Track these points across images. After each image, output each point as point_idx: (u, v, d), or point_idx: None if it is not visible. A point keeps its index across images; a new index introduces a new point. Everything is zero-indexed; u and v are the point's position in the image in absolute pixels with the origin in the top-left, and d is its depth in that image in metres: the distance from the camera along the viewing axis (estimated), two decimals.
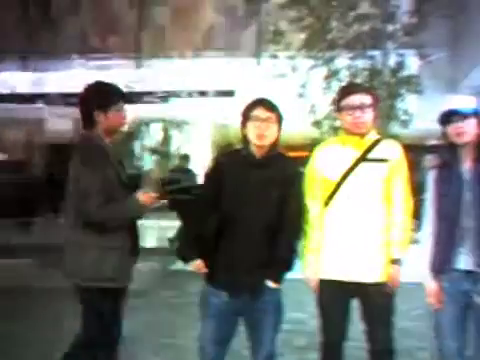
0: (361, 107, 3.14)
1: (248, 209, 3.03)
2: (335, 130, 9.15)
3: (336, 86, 9.72)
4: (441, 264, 2.97)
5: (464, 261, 2.91)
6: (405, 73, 10.43)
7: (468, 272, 2.91)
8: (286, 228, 3.07)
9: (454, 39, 15.38)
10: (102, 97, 3.28)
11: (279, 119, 3.11)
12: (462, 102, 2.96)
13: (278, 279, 3.09)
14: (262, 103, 3.11)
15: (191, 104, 14.74)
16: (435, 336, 3.07)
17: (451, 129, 2.93)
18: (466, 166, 2.95)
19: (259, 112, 3.06)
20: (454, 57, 15.75)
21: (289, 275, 3.15)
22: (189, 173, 10.47)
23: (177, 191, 8.75)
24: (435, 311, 3.04)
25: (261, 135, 3.05)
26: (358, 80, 9.99)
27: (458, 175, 2.94)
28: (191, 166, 10.92)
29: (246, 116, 3.10)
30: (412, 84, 10.27)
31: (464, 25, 14.28)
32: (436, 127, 3.10)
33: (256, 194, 3.04)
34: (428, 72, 11.27)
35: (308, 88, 10.22)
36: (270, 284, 3.06)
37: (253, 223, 3.03)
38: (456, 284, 2.95)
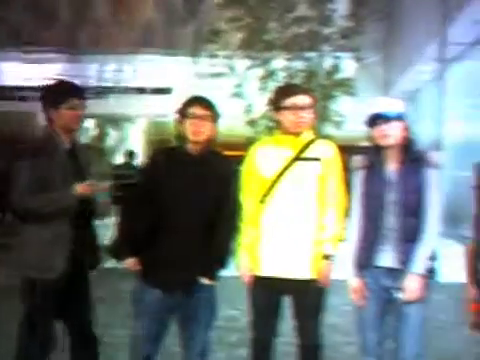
0: (304, 107, 3.23)
1: (183, 206, 3.08)
2: (270, 130, 9.25)
3: (272, 87, 9.84)
4: (364, 261, 3.08)
5: (386, 258, 3.03)
6: (340, 75, 10.66)
7: (390, 269, 3.03)
8: (221, 226, 3.13)
9: (388, 43, 15.84)
10: (53, 95, 3.29)
11: (215, 117, 3.18)
12: (388, 105, 3.06)
13: (212, 276, 3.14)
14: (199, 101, 3.18)
15: (128, 101, 14.60)
16: (357, 329, 3.19)
17: (376, 132, 3.04)
18: (391, 168, 3.07)
19: (196, 109, 3.12)
20: (387, 60, 16.21)
21: (222, 272, 3.20)
22: (135, 169, 10.56)
23: (122, 187, 8.66)
24: (358, 306, 3.15)
25: (197, 132, 3.11)
26: (295, 81, 10.14)
27: (383, 176, 3.06)
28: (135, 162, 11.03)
29: (183, 113, 3.15)
30: (346, 86, 10.50)
31: (397, 29, 14.73)
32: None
33: (191, 191, 3.09)
34: (363, 75, 11.56)
35: (244, 88, 10.29)
36: (204, 281, 3.11)
37: (188, 220, 3.07)
38: (378, 280, 3.07)
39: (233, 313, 3.96)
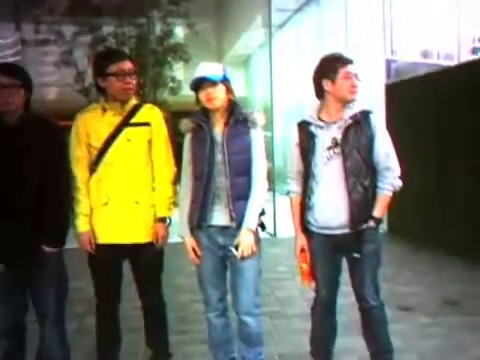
0: (130, 73, 3.20)
1: (11, 178, 2.94)
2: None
3: None
4: (197, 221, 3.14)
5: (219, 217, 3.13)
6: (172, 41, 10.65)
7: (223, 227, 3.13)
8: (55, 194, 3.04)
9: (219, 10, 16.07)
10: None
11: (25, 84, 3.01)
12: (211, 69, 3.10)
13: (54, 243, 3.06)
14: (2, 69, 3.01)
15: None
16: (199, 287, 3.28)
17: (202, 95, 3.09)
18: (217, 129, 3.14)
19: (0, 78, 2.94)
20: (220, 27, 16.46)
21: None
22: None
23: None
24: (196, 265, 3.24)
25: (4, 102, 2.93)
26: (126, 48, 9.97)
27: (210, 137, 3.12)
28: None
29: None
30: (179, 52, 10.53)
31: None
32: None
33: (15, 162, 2.95)
34: (195, 41, 11.66)
35: (74, 55, 9.93)
36: (46, 249, 3.03)
37: (19, 192, 2.95)
38: (212, 239, 3.16)
39: (79, 284, 3.92)
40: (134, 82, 3.25)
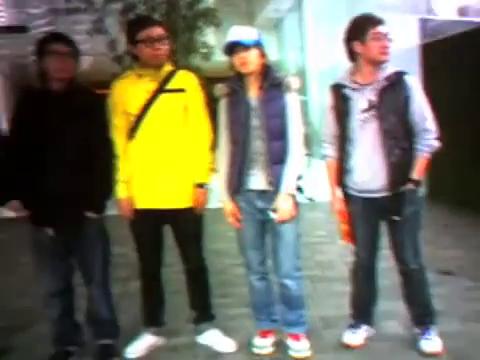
0: (159, 39, 3.19)
1: (55, 145, 3.04)
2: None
3: None
4: (236, 185, 3.17)
5: (256, 181, 3.15)
6: (202, 6, 10.54)
7: (261, 191, 3.15)
8: (98, 160, 3.14)
9: None
10: None
11: (75, 53, 3.11)
12: (244, 34, 3.08)
13: (97, 209, 3.17)
14: (57, 37, 3.11)
15: None
16: (240, 251, 3.34)
17: (236, 59, 3.08)
18: (252, 94, 3.14)
19: (56, 46, 3.04)
20: None
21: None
22: None
23: None
24: (236, 229, 3.27)
25: (60, 69, 3.04)
26: (156, 14, 9.91)
27: (245, 102, 3.12)
28: None
29: (42, 51, 3.06)
30: (209, 17, 10.42)
31: None
32: None
33: (60, 128, 3.05)
34: (225, 5, 11.50)
35: (106, 23, 9.91)
36: (90, 214, 3.13)
37: (62, 158, 3.06)
38: (251, 203, 3.19)
39: (122, 250, 4.01)
40: (164, 48, 3.24)
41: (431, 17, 8.53)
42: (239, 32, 3.08)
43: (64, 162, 3.06)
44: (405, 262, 3.22)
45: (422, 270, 3.26)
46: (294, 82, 3.14)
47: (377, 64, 3.08)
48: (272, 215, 3.11)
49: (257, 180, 3.14)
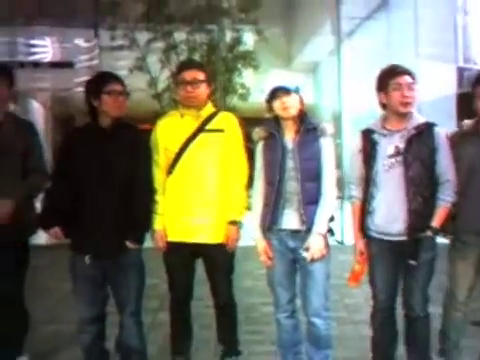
0: (192, 83, 3.38)
1: (101, 178, 3.19)
2: (175, 102, 9.31)
3: (175, 60, 9.90)
4: (269, 224, 3.26)
5: (289, 221, 3.23)
6: (241, 48, 10.81)
7: (293, 231, 3.23)
8: (139, 194, 3.28)
9: (287, 16, 16.11)
10: None
11: (127, 93, 3.30)
12: (286, 81, 3.24)
13: (137, 240, 3.29)
14: (114, 77, 3.32)
15: (27, 75, 13.96)
16: (270, 288, 3.39)
17: (278, 103, 3.21)
18: (289, 137, 3.26)
19: (114, 86, 3.24)
20: (288, 34, 16.49)
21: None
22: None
23: None
24: (267, 267, 3.34)
25: (118, 107, 3.23)
26: (196, 54, 10.21)
27: (282, 145, 3.24)
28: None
29: (99, 90, 3.23)
30: (248, 59, 10.67)
31: (296, 3, 15.03)
32: None
33: (107, 163, 3.20)
34: (264, 48, 11.77)
35: (147, 61, 10.23)
36: (130, 245, 3.25)
37: (107, 191, 3.20)
38: (283, 242, 3.26)
39: (153, 281, 4.10)
40: (197, 91, 3.40)
41: (469, 66, 8.59)
42: (283, 78, 3.27)
43: (108, 194, 3.21)
44: (413, 308, 3.29)
45: (428, 318, 3.32)
46: (329, 128, 3.27)
47: (399, 115, 3.21)
48: (304, 254, 3.18)
49: (290, 220, 3.23)
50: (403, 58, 3.46)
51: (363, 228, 3.34)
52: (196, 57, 10.05)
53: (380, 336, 3.44)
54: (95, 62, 10.65)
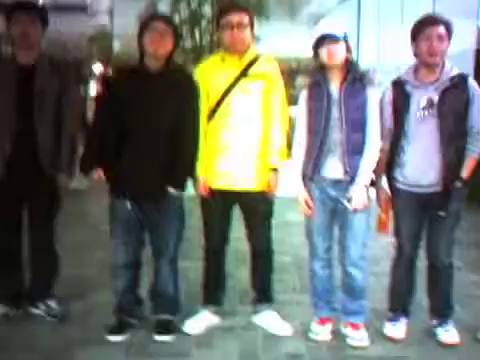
0: (235, 26, 3.27)
1: (145, 121, 3.14)
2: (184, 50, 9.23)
3: (184, 7, 9.76)
4: (311, 173, 3.23)
5: (332, 170, 3.20)
6: None
7: (335, 180, 3.21)
8: (185, 139, 3.22)
9: None
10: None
11: (174, 33, 3.21)
12: (334, 27, 3.19)
13: (179, 185, 3.23)
14: (159, 16, 3.28)
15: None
16: (307, 237, 3.40)
17: (324, 51, 3.14)
18: (334, 86, 3.20)
19: (156, 24, 3.15)
20: None
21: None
22: None
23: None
24: (306, 216, 3.32)
25: (157, 46, 3.13)
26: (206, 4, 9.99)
27: (327, 94, 3.18)
28: None
29: (143, 28, 3.18)
30: (259, 8, 10.45)
31: None
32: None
33: (153, 105, 3.13)
34: None
35: (158, 9, 9.99)
36: (172, 190, 3.20)
37: (151, 135, 3.15)
38: (325, 191, 3.24)
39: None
40: (243, 34, 3.30)
41: None
42: (329, 26, 3.19)
43: (152, 139, 3.14)
44: (439, 257, 3.33)
45: (452, 266, 3.38)
46: (374, 77, 3.19)
47: (427, 65, 3.17)
48: (346, 204, 3.16)
49: (333, 169, 3.20)
50: (421, 12, 3.38)
51: (389, 179, 3.33)
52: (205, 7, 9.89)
53: (400, 286, 3.47)
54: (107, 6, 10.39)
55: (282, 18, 13.46)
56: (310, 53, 3.25)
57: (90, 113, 3.91)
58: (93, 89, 14.52)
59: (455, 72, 3.18)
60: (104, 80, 3.38)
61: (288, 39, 10.08)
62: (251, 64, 3.35)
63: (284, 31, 11.61)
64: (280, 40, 10.03)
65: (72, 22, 12.66)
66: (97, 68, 15.94)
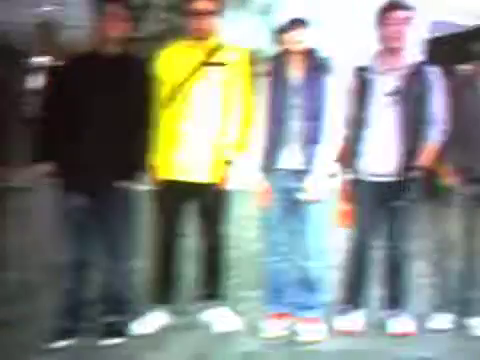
0: (201, 13, 3.17)
1: (96, 106, 3.00)
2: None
3: None
4: (269, 164, 3.13)
5: (290, 160, 3.11)
6: None
7: (294, 171, 3.12)
8: (138, 129, 3.09)
9: None
10: None
11: (130, 17, 3.10)
12: (300, 12, 3.07)
13: (130, 177, 3.12)
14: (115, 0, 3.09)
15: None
16: (262, 230, 3.29)
17: (292, 36, 3.05)
18: (295, 74, 3.12)
19: (112, 7, 3.03)
20: None
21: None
22: None
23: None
24: (263, 208, 3.22)
25: (111, 30, 3.02)
26: None
27: (287, 82, 3.10)
28: None
29: (98, 12, 3.05)
30: None
31: None
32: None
33: (104, 91, 3.01)
34: None
35: None
36: (122, 183, 3.08)
37: (103, 123, 3.00)
38: (283, 182, 3.14)
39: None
40: (208, 22, 3.20)
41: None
42: (297, 9, 3.08)
43: (103, 129, 3.02)
44: (397, 246, 3.30)
45: (409, 256, 3.35)
46: (333, 64, 3.15)
47: (390, 50, 3.14)
48: (299, 195, 3.08)
49: (291, 159, 3.11)
50: None
51: (349, 168, 3.28)
52: None
53: (355, 278, 3.42)
54: None
55: (232, 6, 13.40)
56: (262, 43, 3.15)
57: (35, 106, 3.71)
58: (40, 80, 14.10)
59: (415, 59, 3.17)
60: (51, 70, 3.23)
61: (239, 29, 10.02)
62: (215, 51, 3.24)
63: (235, 21, 11.47)
64: (231, 30, 9.97)
65: (15, 9, 12.24)
66: (43, 59, 15.49)
